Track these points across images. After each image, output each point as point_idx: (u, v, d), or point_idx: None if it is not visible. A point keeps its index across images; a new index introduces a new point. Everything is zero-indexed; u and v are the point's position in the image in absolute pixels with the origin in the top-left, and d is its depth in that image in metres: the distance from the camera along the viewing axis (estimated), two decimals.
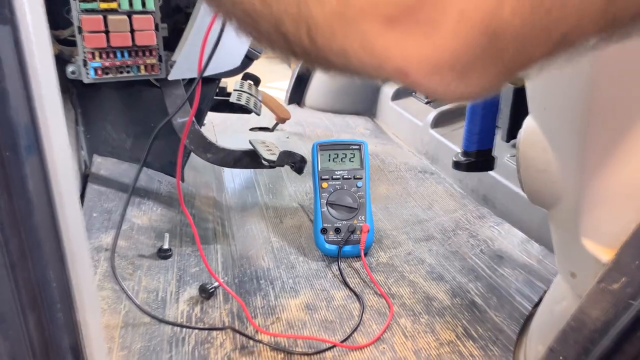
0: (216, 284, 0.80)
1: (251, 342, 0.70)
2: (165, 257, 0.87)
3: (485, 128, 0.95)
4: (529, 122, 0.65)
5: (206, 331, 0.72)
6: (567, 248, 0.64)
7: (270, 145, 1.01)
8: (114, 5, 0.75)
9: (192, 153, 0.98)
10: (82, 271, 0.49)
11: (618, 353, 0.52)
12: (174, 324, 0.73)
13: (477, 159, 0.97)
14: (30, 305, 0.45)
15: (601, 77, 0.52)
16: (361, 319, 0.76)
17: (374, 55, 0.22)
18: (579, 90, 0.55)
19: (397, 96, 1.72)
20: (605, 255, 0.56)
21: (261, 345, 0.70)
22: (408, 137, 1.54)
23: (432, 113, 1.45)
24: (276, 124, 1.60)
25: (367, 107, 1.82)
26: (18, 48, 0.38)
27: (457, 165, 0.98)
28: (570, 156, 0.59)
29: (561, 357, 0.56)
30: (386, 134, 1.65)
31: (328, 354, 0.69)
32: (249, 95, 1.23)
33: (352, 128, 1.70)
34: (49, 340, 0.47)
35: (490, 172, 1.11)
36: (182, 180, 1.07)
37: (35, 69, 0.40)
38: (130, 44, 0.76)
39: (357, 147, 0.98)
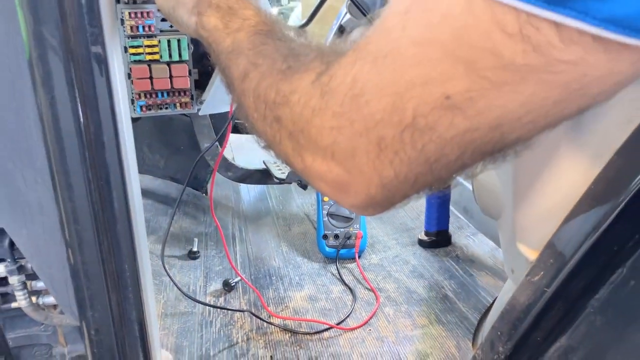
0: (237, 278, 0.98)
1: (265, 324, 0.89)
2: (194, 258, 1.06)
3: (441, 214, 1.17)
4: None
5: (229, 315, 0.91)
6: (509, 250, 0.81)
7: (280, 165, 1.20)
8: (156, 57, 0.94)
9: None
10: (144, 265, 0.67)
11: (536, 328, 0.70)
12: (205, 304, 0.92)
13: (437, 237, 1.17)
14: (113, 288, 0.63)
15: None
16: (353, 307, 0.94)
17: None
18: None
19: None
20: (533, 255, 0.74)
21: (273, 327, 0.89)
22: None
23: None
24: None
25: None
26: (110, 88, 0.57)
27: (421, 242, 1.18)
28: (507, 181, 0.77)
29: (499, 332, 0.74)
30: None
31: (325, 334, 0.88)
32: None
33: None
34: (123, 313, 0.66)
35: (470, 187, 1.29)
36: (206, 193, 1.27)
37: (120, 106, 0.58)
38: (169, 87, 0.96)
39: None
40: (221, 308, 0.92)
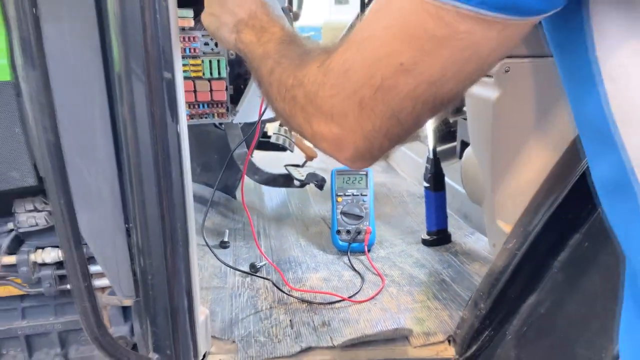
0: (263, 263, 1.15)
1: (285, 296, 1.04)
2: (225, 247, 1.23)
3: (439, 215, 1.32)
4: (468, 150, 1.00)
5: (255, 289, 1.07)
6: (491, 228, 0.97)
7: (300, 170, 1.37)
8: (199, 74, 1.13)
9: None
10: (190, 234, 0.84)
11: (510, 286, 0.85)
12: (236, 269, 1.09)
13: (438, 236, 1.32)
14: (167, 241, 0.80)
15: (497, 127, 0.87)
16: (361, 287, 1.09)
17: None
18: (486, 134, 0.90)
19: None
20: (508, 229, 0.89)
21: (292, 298, 1.04)
22: (411, 171, 1.89)
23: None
24: (305, 162, 1.97)
25: None
26: (176, 104, 0.75)
27: (424, 241, 1.33)
28: (487, 171, 0.94)
29: (480, 292, 0.88)
30: (394, 170, 2.00)
31: (337, 304, 1.03)
32: (285, 137, 1.60)
33: None
34: (174, 264, 0.81)
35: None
36: (235, 197, 1.44)
37: (182, 117, 0.77)
38: (209, 99, 1.15)
39: (364, 173, 1.33)
40: (248, 273, 1.09)
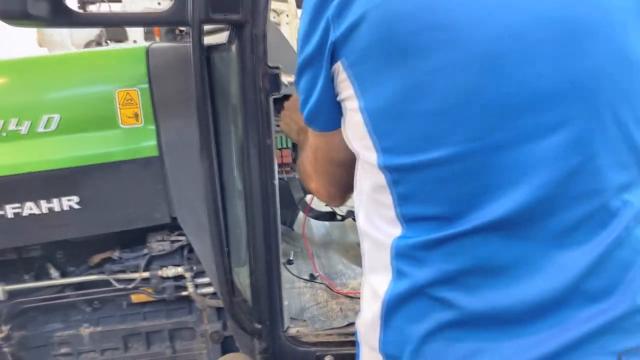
0: (318, 274, 1.66)
1: (335, 293, 1.55)
2: (291, 264, 1.75)
3: None
4: None
5: (315, 289, 1.58)
6: None
7: (341, 208, 1.89)
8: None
9: (300, 212, 1.88)
10: (279, 259, 1.36)
11: None
12: (301, 278, 1.59)
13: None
14: (268, 266, 1.31)
15: None
16: None
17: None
18: None
19: None
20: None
21: (340, 295, 1.55)
22: None
23: None
24: None
25: None
26: (272, 163, 1.29)
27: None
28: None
29: None
30: None
31: None
32: None
33: None
34: (270, 265, 1.33)
35: None
36: (292, 229, 1.97)
37: (275, 174, 1.30)
38: (280, 161, 1.68)
39: None
40: (308, 280, 1.60)
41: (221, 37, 1.27)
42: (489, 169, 0.66)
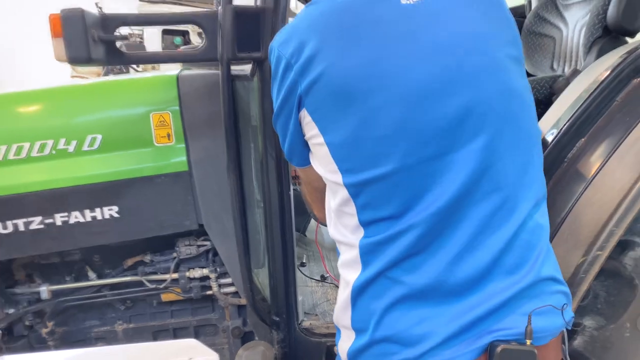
0: (328, 274, 1.85)
1: None
2: (303, 265, 1.94)
3: None
4: None
5: (325, 288, 1.77)
6: None
7: None
8: None
9: (312, 220, 2.07)
10: (295, 261, 1.56)
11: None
12: (312, 278, 1.79)
13: None
14: (285, 267, 1.50)
15: None
16: None
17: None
18: None
19: None
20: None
21: None
22: None
23: None
24: None
25: None
26: (288, 182, 1.49)
27: None
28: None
29: None
30: None
31: None
32: None
33: None
34: (286, 264, 1.52)
35: None
36: (304, 235, 2.17)
37: (290, 186, 1.50)
38: (294, 174, 1.88)
39: None
40: (318, 280, 1.79)
41: (243, 69, 1.48)
42: (423, 176, 0.92)
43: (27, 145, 1.62)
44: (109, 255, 1.89)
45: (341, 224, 0.99)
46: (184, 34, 5.82)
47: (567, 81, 1.77)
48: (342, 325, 1.03)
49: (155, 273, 1.86)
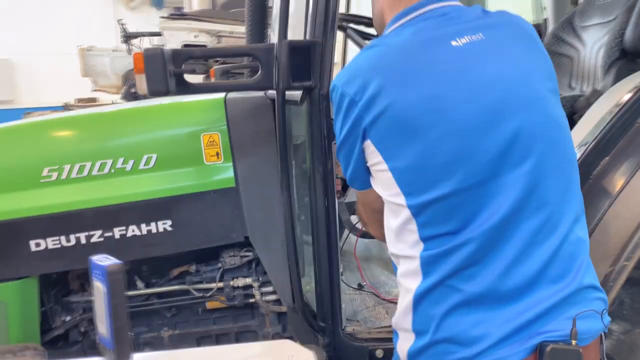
0: (365, 283, 1.98)
1: (379, 299, 1.86)
2: (342, 275, 2.06)
3: None
4: None
5: (363, 296, 1.89)
6: None
7: None
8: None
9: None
10: (336, 261, 1.68)
11: None
12: (350, 286, 1.91)
13: None
14: (330, 276, 1.63)
15: None
16: None
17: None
18: None
19: None
20: None
21: (385, 300, 1.86)
22: None
23: None
24: None
25: None
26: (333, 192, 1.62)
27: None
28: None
29: None
30: None
31: None
32: None
33: None
34: (332, 274, 1.64)
35: None
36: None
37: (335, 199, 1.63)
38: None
39: None
40: (355, 289, 1.92)
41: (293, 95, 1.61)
42: (478, 197, 1.06)
43: (88, 164, 1.75)
44: (156, 266, 2.01)
45: (401, 240, 1.12)
46: None
47: (588, 101, 1.89)
48: (402, 328, 1.15)
49: (201, 282, 1.98)
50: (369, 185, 1.19)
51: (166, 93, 1.25)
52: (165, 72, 1.23)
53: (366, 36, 2.01)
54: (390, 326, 1.72)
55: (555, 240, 1.05)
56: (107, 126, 1.82)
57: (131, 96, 5.66)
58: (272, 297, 1.97)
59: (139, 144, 1.81)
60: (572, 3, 2.85)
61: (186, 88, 1.34)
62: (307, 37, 1.46)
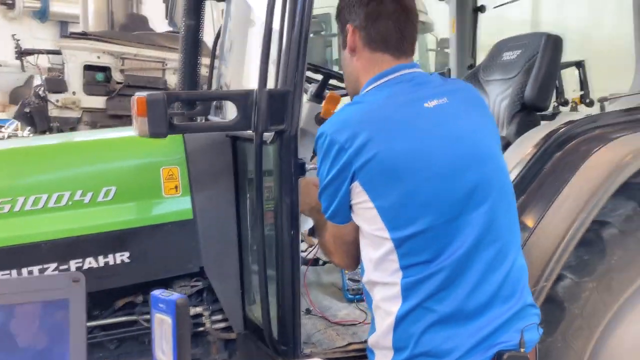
0: (312, 308, 2.13)
1: (328, 322, 2.02)
2: None
3: None
4: None
5: (312, 319, 2.04)
6: None
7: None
8: None
9: None
10: (297, 284, 1.82)
11: None
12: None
13: None
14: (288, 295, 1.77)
15: None
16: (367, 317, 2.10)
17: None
18: None
19: None
20: None
21: (332, 323, 2.02)
22: None
23: None
24: None
25: None
26: None
27: None
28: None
29: None
30: None
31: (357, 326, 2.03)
32: None
33: None
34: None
35: None
36: None
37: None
38: None
39: None
40: (309, 314, 2.07)
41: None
42: (448, 231, 1.30)
43: (44, 196, 1.74)
44: (98, 298, 1.99)
45: (381, 269, 1.30)
46: (106, 69, 5.82)
47: None
48: (382, 346, 1.33)
49: (149, 313, 2.00)
50: (349, 220, 1.37)
51: (165, 134, 1.33)
52: (166, 115, 1.31)
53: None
54: (344, 346, 1.90)
55: (506, 266, 1.30)
56: (65, 158, 1.82)
57: (25, 117, 5.31)
58: (222, 324, 2.05)
59: (98, 176, 1.83)
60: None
61: (173, 129, 1.42)
62: (279, 84, 1.61)
